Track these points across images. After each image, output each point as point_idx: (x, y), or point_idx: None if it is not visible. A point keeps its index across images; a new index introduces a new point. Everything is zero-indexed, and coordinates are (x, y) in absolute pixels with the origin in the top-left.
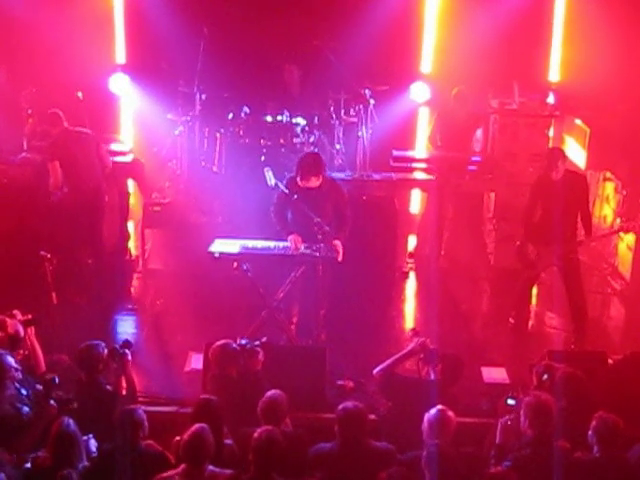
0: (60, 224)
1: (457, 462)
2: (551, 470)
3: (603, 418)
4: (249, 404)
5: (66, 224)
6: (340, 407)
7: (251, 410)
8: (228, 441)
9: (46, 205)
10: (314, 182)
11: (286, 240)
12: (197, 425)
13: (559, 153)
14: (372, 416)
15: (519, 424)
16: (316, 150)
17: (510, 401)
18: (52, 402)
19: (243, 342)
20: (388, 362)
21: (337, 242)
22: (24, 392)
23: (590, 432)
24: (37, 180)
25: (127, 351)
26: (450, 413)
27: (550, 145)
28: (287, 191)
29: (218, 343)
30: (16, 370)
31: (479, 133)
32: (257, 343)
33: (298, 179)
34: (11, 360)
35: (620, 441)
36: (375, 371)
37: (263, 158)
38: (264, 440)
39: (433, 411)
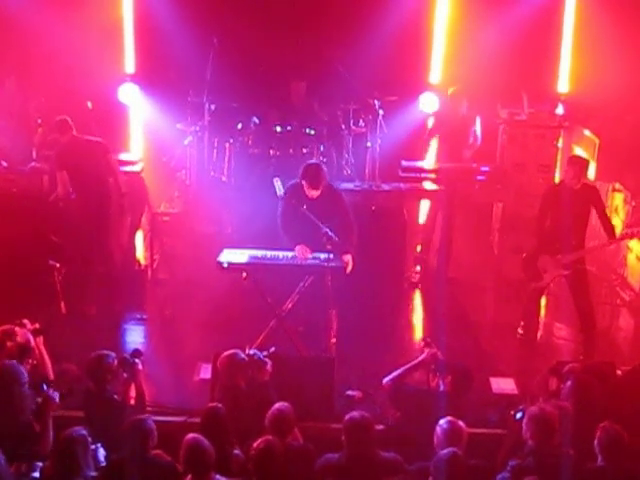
0: (67, 233)
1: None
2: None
3: (607, 429)
4: (257, 415)
5: (73, 233)
6: (347, 417)
7: (259, 420)
8: (237, 451)
9: (54, 213)
10: (316, 192)
11: (293, 250)
12: (190, 435)
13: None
14: (380, 426)
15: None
16: (324, 160)
17: (519, 415)
18: (52, 392)
19: (251, 352)
20: (398, 372)
21: (347, 257)
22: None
23: (595, 442)
24: (49, 189)
25: (137, 360)
26: (461, 424)
27: (559, 156)
28: (295, 202)
29: (226, 353)
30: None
31: (473, 129)
32: (265, 353)
33: (306, 186)
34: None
35: (624, 452)
36: (385, 381)
37: (272, 168)
38: (262, 450)
39: (444, 422)
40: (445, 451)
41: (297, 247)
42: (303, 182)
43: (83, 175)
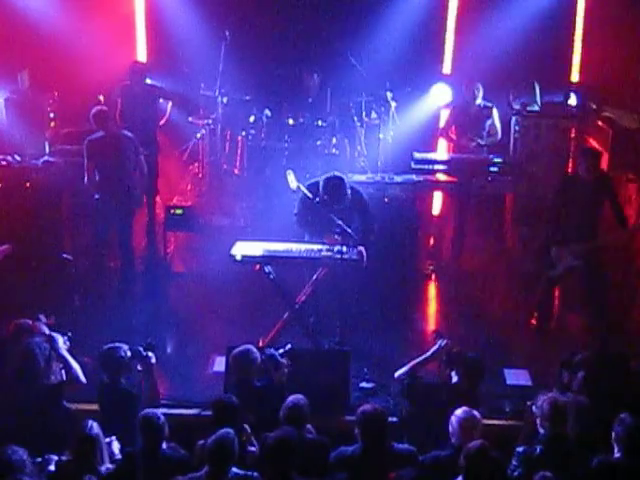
0: (90, 225)
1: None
2: (566, 468)
3: (623, 420)
4: (271, 413)
5: (97, 225)
6: (360, 410)
7: (273, 419)
8: (252, 448)
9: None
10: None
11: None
12: (223, 430)
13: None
14: (394, 419)
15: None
16: (337, 152)
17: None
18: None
19: (268, 353)
20: (410, 365)
21: (361, 248)
22: None
23: (612, 434)
24: (61, 182)
25: (151, 354)
26: (476, 413)
27: (572, 146)
28: (310, 195)
29: (238, 350)
30: None
31: (488, 123)
32: (282, 351)
33: (327, 201)
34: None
35: None
36: (396, 374)
37: (285, 161)
38: (278, 439)
39: (460, 411)
40: (474, 443)
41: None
42: (325, 197)
43: (111, 168)
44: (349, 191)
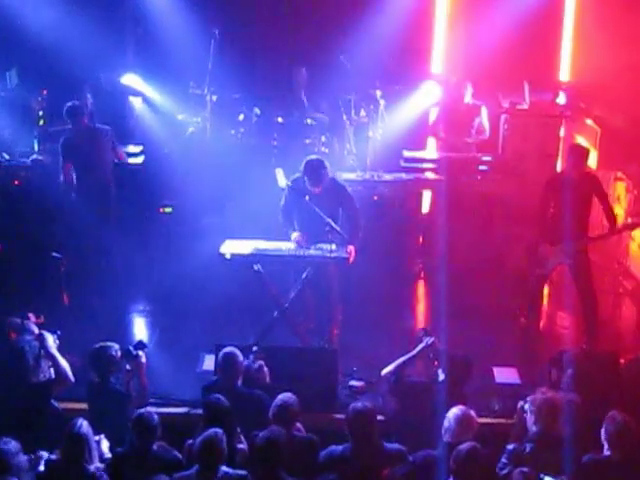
0: (70, 223)
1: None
2: (556, 466)
3: (613, 418)
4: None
5: (76, 223)
6: (350, 407)
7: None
8: (242, 445)
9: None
10: (318, 189)
11: (290, 239)
12: (211, 430)
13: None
14: (380, 417)
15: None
16: (326, 151)
17: (526, 406)
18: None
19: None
20: (396, 363)
21: (350, 247)
22: None
23: (602, 432)
24: (48, 180)
25: (141, 353)
26: (473, 413)
27: (561, 145)
28: (299, 193)
29: (224, 352)
30: None
31: (477, 121)
32: (254, 355)
33: (308, 183)
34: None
35: (632, 441)
36: (383, 372)
37: (274, 159)
38: (266, 438)
39: (458, 410)
40: (463, 446)
41: (294, 235)
42: (305, 178)
43: (88, 164)
44: (328, 172)
